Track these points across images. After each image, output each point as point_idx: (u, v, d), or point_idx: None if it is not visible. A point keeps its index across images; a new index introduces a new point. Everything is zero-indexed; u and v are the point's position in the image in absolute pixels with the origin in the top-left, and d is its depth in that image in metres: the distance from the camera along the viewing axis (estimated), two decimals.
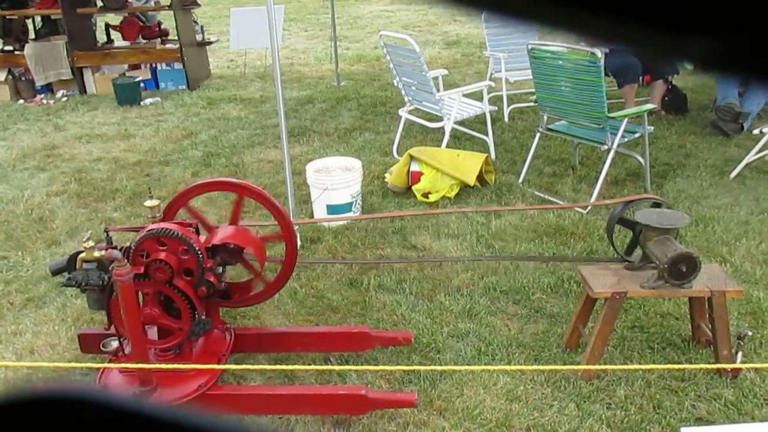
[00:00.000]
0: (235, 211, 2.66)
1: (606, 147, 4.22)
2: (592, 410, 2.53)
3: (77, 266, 2.44)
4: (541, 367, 2.66)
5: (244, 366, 2.68)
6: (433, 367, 2.68)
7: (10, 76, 7.75)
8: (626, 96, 5.55)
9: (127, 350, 2.53)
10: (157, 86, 7.90)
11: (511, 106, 6.14)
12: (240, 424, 0.35)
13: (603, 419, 2.48)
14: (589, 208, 4.12)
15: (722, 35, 0.27)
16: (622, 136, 4.20)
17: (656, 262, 2.57)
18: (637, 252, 2.84)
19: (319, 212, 4.21)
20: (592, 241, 3.80)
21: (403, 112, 5.47)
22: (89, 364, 2.79)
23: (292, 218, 3.44)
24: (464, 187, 4.52)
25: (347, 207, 4.17)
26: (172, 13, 7.59)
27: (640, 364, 2.76)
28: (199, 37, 8.17)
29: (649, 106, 4.64)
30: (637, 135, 4.40)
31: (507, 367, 2.68)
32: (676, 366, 2.67)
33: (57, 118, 6.91)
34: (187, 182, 4.81)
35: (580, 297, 2.92)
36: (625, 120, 4.19)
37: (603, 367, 2.66)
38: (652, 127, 4.54)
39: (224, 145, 5.80)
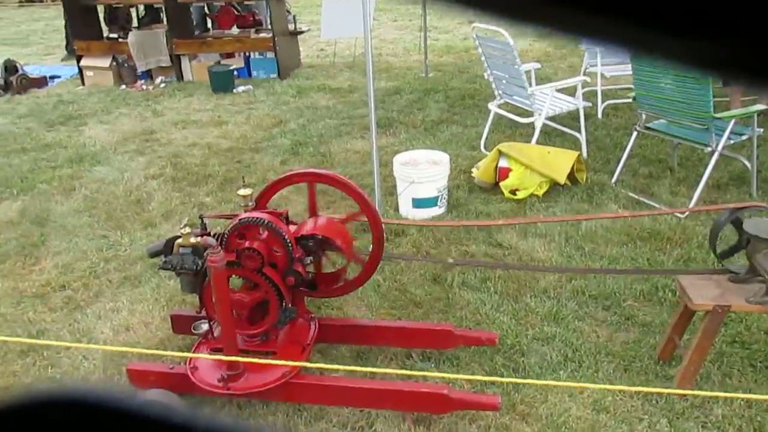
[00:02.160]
0: (352, 216, 2.77)
1: (710, 149, 3.98)
2: (686, 428, 2.40)
3: (174, 250, 2.52)
4: (636, 389, 2.53)
5: (325, 365, 2.70)
6: (518, 380, 2.61)
7: (114, 63, 8.15)
8: (732, 95, 5.23)
9: (216, 333, 2.61)
10: (250, 74, 8.11)
11: (606, 102, 5.91)
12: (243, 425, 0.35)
13: None
14: (688, 212, 3.92)
15: None
16: (728, 138, 3.96)
17: (765, 275, 2.41)
18: (743, 263, 2.67)
19: (405, 205, 4.19)
20: (690, 247, 3.60)
21: (492, 106, 5.36)
22: (174, 354, 2.89)
23: (379, 212, 3.44)
24: (554, 185, 4.39)
25: (433, 201, 4.13)
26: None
27: (740, 382, 2.60)
28: (291, 27, 8.31)
29: (760, 106, 4.34)
30: (744, 137, 4.13)
31: (607, 386, 2.58)
32: None
33: (155, 103, 7.21)
34: (276, 170, 4.92)
35: (676, 307, 2.78)
36: (732, 121, 3.94)
37: (703, 393, 2.51)
38: (761, 129, 4.25)
39: (312, 134, 5.88)
